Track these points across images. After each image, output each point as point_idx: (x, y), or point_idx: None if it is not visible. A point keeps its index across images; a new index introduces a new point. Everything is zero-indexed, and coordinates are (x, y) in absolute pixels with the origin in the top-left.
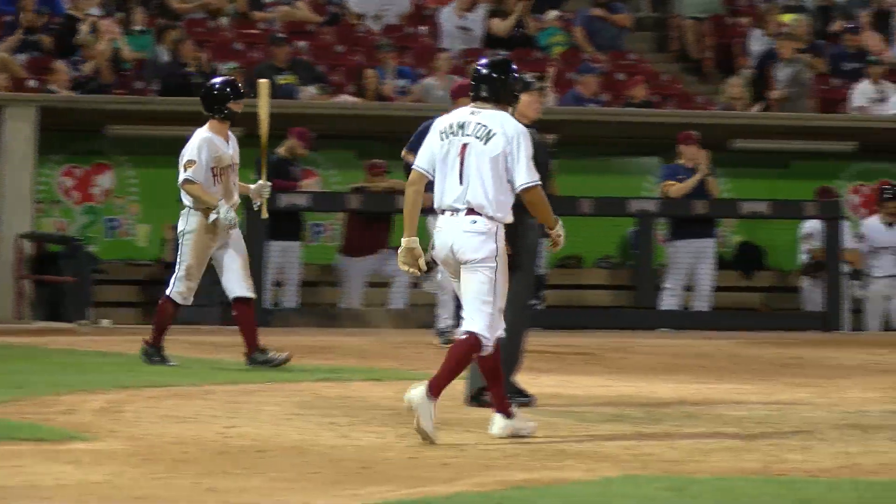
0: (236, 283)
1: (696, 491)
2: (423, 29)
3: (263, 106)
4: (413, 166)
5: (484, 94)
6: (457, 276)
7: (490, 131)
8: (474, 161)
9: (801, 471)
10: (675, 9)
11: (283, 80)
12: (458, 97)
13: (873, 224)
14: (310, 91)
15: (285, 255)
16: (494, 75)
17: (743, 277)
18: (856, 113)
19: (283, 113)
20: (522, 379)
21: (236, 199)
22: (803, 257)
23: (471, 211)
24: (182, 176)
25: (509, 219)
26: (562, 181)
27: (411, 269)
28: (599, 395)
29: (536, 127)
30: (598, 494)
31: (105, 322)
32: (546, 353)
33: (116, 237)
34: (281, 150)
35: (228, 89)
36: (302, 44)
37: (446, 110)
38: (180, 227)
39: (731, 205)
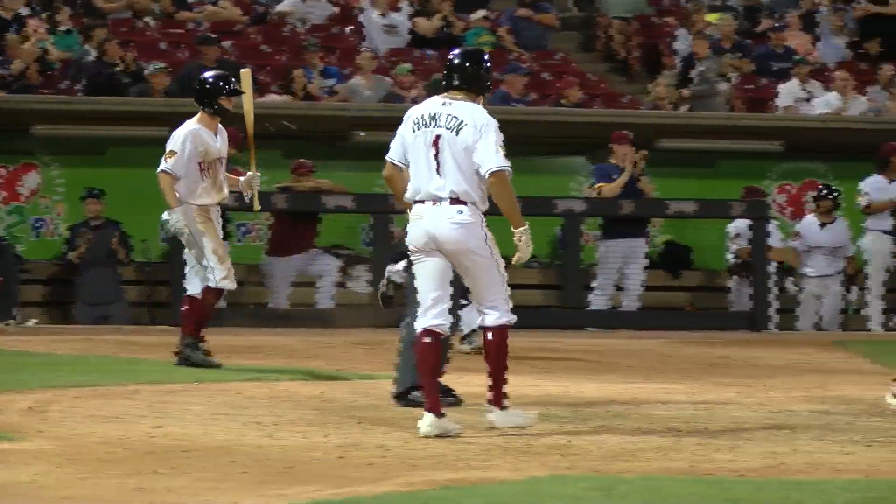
0: (199, 281)
1: (623, 491)
2: (349, 28)
3: (247, 96)
4: (387, 157)
5: (456, 83)
6: (427, 259)
7: (461, 122)
8: (448, 152)
9: (728, 471)
10: (601, 8)
11: None
12: None
13: (808, 224)
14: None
15: None
16: (467, 65)
17: (669, 277)
18: (782, 112)
19: None
20: (449, 378)
21: (225, 192)
22: (731, 257)
23: (455, 200)
24: (161, 166)
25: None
26: None
27: None
28: (527, 394)
29: None
30: (525, 494)
31: (31, 322)
32: (472, 352)
33: (42, 237)
34: None
35: (221, 83)
36: (228, 43)
37: (373, 110)
38: (179, 224)
39: (657, 204)
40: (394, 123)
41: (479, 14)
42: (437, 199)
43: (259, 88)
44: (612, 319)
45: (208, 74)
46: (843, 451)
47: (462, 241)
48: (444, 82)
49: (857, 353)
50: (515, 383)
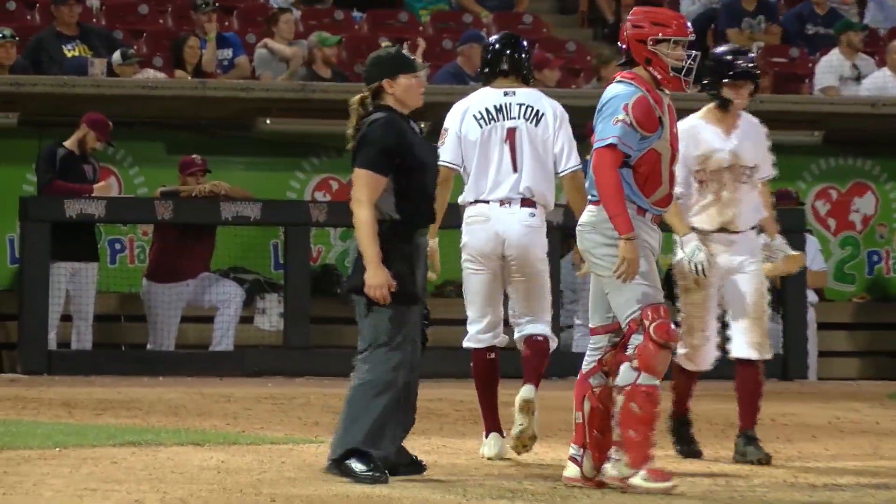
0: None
1: None
2: None
3: None
4: (440, 162)
5: (507, 72)
6: (487, 270)
7: (539, 112)
8: (528, 146)
9: None
10: None
11: (70, 51)
12: None
13: None
14: (105, 65)
15: (76, 281)
16: (514, 53)
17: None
18: (821, 95)
19: (70, 94)
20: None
21: (730, 214)
22: None
23: (526, 201)
24: None
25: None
26: None
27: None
28: (488, 467)
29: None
30: None
31: None
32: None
33: None
34: (68, 143)
35: (729, 59)
36: (94, 3)
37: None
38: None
39: None
40: (313, 108)
41: None
42: (506, 200)
43: (137, 62)
44: None
45: (719, 49)
46: None
47: (531, 246)
48: (485, 70)
49: None
50: (470, 449)
